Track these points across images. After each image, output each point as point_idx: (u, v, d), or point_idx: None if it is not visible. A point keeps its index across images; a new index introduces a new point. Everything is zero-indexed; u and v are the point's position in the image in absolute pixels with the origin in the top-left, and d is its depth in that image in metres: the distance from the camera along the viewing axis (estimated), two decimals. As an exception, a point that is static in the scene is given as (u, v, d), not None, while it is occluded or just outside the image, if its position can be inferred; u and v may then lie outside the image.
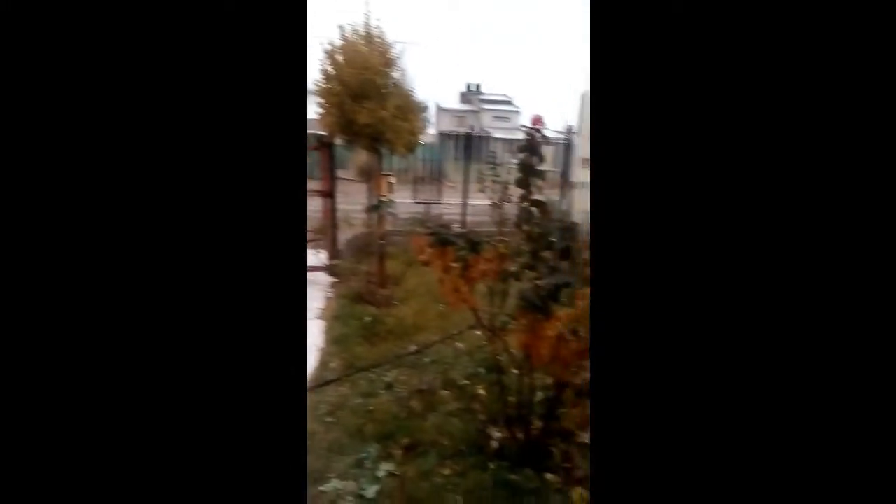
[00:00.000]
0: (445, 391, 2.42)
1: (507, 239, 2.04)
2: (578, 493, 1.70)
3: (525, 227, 1.79)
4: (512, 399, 2.07)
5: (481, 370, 2.61)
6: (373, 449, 1.93)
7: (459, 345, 2.98)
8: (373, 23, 3.49)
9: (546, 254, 1.73)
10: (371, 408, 2.23)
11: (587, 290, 1.75)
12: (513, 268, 1.85)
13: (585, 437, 2.05)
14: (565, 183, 6.42)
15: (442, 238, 1.83)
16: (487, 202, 5.86)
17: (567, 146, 6.38)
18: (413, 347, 2.93)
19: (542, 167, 1.72)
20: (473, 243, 1.84)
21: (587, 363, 1.78)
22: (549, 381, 1.99)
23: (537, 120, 1.61)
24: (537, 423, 1.97)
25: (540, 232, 1.75)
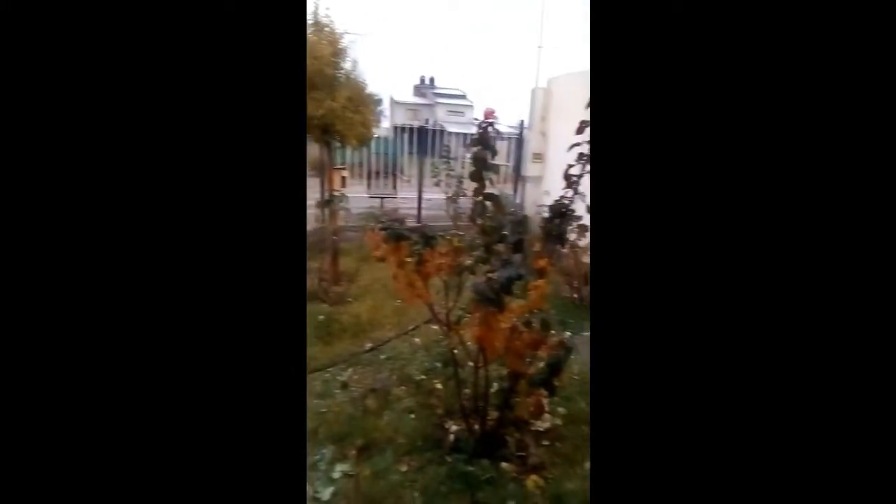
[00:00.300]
0: (402, 388, 2.40)
1: (461, 233, 2.04)
2: (533, 480, 1.75)
3: (479, 221, 1.80)
4: (468, 392, 2.08)
5: (438, 365, 2.61)
6: (327, 451, 1.88)
7: (416, 340, 2.96)
8: (322, 12, 3.36)
9: (499, 247, 1.75)
10: (325, 409, 2.17)
11: (539, 282, 1.79)
12: (468, 262, 1.85)
13: (539, 426, 2.10)
14: (518, 177, 6.54)
15: (396, 233, 1.80)
16: (443, 196, 5.88)
17: (519, 141, 6.49)
18: (368, 345, 2.88)
19: (495, 161, 1.73)
20: (428, 238, 1.83)
21: (540, 353, 1.83)
22: (505, 372, 2.02)
23: (490, 113, 1.62)
24: (493, 415, 2.00)
25: (493, 225, 1.76)
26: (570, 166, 1.92)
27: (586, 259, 3.84)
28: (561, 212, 1.85)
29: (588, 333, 3.17)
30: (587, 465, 1.87)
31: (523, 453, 1.93)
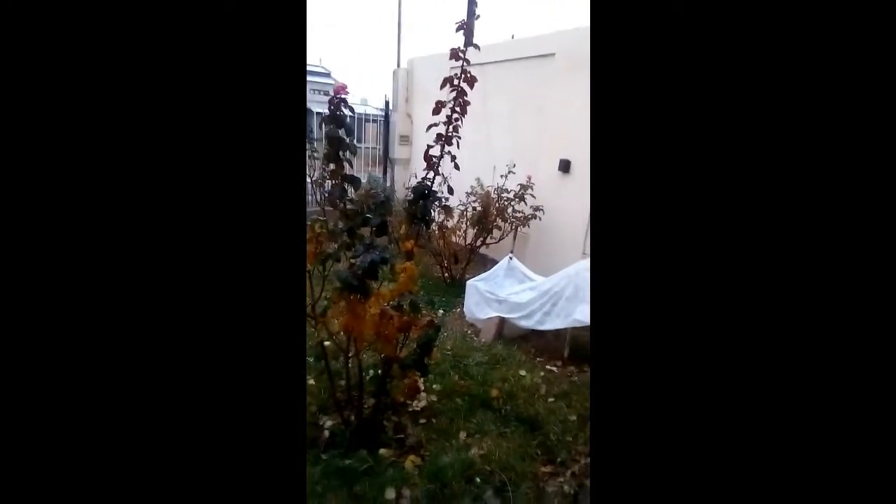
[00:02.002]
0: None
1: (323, 218, 1.91)
2: (411, 460, 1.76)
3: (340, 205, 1.70)
4: (342, 383, 2.00)
5: (309, 360, 2.46)
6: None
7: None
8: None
9: (363, 231, 1.68)
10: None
11: (406, 264, 1.78)
12: (331, 248, 1.74)
13: (415, 406, 2.13)
14: (387, 160, 6.47)
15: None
16: (307, 180, 5.50)
17: (386, 123, 6.40)
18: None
19: (352, 140, 1.64)
20: (283, 225, 1.67)
21: (411, 334, 1.83)
22: (378, 358, 1.98)
23: (341, 88, 1.51)
24: (370, 402, 1.96)
25: (355, 209, 1.68)
26: (430, 147, 1.93)
27: (454, 238, 3.99)
28: (423, 193, 1.86)
29: (460, 309, 3.31)
30: (462, 435, 1.96)
31: (401, 435, 1.94)
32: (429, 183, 1.89)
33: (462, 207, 3.84)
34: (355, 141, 1.74)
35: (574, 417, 2.10)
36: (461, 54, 1.88)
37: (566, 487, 1.71)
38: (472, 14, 1.95)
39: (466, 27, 1.90)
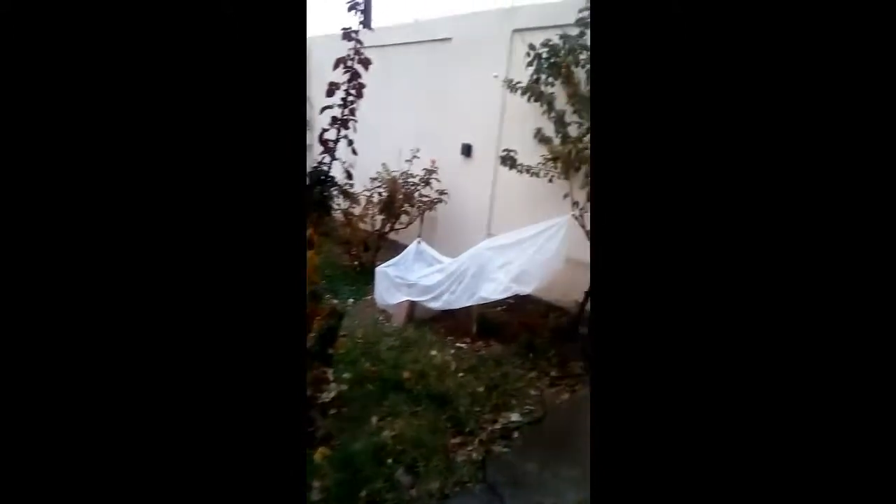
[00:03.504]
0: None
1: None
2: (320, 452, 1.73)
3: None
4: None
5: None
6: None
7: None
8: None
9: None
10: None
11: (307, 253, 1.71)
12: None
13: (325, 397, 2.09)
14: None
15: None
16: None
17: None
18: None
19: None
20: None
21: (314, 325, 1.78)
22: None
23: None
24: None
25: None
26: (325, 130, 1.86)
27: (362, 225, 3.93)
28: (320, 178, 1.79)
29: (371, 297, 3.29)
30: (374, 420, 1.97)
31: (310, 429, 1.89)
32: (325, 168, 1.83)
33: (368, 193, 3.78)
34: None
35: (482, 388, 2.22)
36: (353, 35, 1.83)
37: (474, 455, 1.82)
38: (365, -7, 1.90)
39: (359, 7, 1.85)
